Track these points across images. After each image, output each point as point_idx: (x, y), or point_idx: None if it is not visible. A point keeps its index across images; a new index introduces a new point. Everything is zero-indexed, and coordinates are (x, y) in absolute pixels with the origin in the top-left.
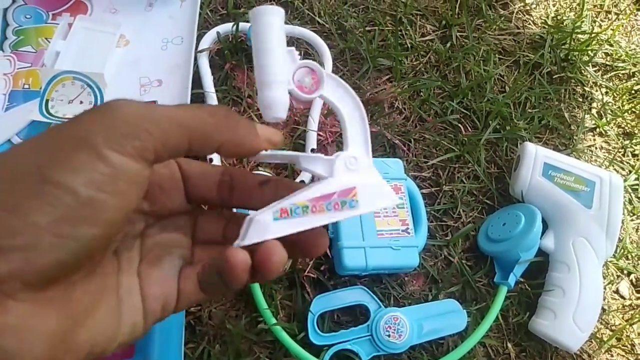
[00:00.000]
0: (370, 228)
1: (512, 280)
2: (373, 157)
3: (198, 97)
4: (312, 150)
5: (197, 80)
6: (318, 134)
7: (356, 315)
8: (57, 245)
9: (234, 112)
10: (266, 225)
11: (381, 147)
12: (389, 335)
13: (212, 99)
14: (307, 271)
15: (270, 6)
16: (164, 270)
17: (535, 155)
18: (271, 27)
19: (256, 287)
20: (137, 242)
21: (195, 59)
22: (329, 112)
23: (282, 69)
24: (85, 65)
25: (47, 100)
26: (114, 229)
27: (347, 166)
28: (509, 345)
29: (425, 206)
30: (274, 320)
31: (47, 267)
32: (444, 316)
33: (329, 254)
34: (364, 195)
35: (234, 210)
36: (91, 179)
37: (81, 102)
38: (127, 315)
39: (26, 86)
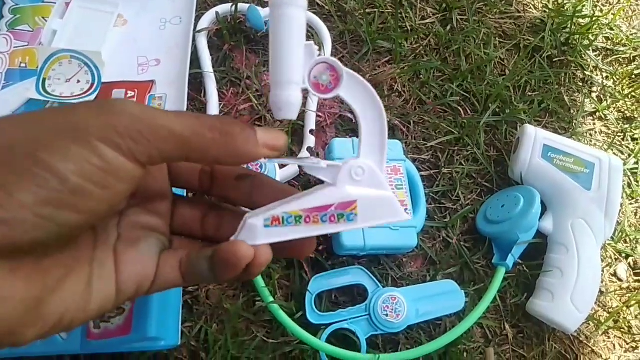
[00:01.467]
0: None
1: (510, 261)
2: None
3: (196, 77)
4: (311, 132)
5: (195, 61)
6: (317, 115)
7: (354, 295)
8: (38, 225)
9: (236, 122)
10: (256, 231)
11: None
12: (386, 315)
13: (211, 79)
14: None
15: None
16: (141, 250)
17: (535, 137)
18: (291, 21)
19: None
20: (115, 220)
21: (194, 39)
22: None
23: (299, 68)
24: (83, 44)
25: (44, 79)
26: (97, 219)
27: (353, 176)
28: (507, 326)
29: (424, 188)
30: (271, 299)
31: (24, 243)
32: (441, 296)
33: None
34: (366, 209)
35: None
36: (82, 169)
37: (78, 81)
38: (98, 289)
39: (23, 65)
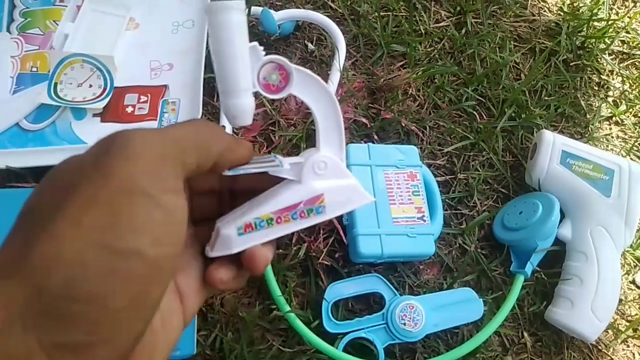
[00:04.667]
0: (386, 215)
1: (529, 269)
2: (388, 143)
3: (209, 81)
4: None
5: (209, 65)
6: None
7: (370, 303)
8: (134, 321)
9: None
10: (231, 240)
11: (395, 134)
12: (404, 324)
13: None
14: (321, 258)
15: (228, 0)
16: (193, 276)
17: (553, 143)
18: (230, 27)
19: (270, 274)
20: None
21: (207, 43)
22: (343, 99)
23: (246, 74)
24: (94, 48)
25: (55, 84)
26: (173, 276)
27: (316, 171)
28: (525, 334)
29: (440, 194)
30: (288, 308)
31: (129, 345)
32: (459, 305)
33: (344, 240)
34: (333, 200)
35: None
36: (154, 235)
37: (90, 86)
38: (170, 332)
39: (34, 69)
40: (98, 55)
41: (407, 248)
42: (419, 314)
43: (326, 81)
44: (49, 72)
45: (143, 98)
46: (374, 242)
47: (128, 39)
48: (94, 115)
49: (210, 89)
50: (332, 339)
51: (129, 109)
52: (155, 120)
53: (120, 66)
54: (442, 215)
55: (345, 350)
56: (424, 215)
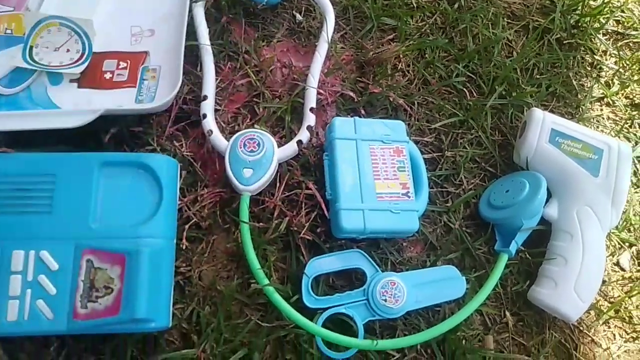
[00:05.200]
0: (370, 190)
1: (513, 248)
2: (376, 117)
3: (192, 49)
4: (311, 110)
5: (191, 33)
6: (318, 93)
7: (352, 279)
8: None
9: None
10: None
11: (383, 110)
12: (385, 300)
13: (208, 52)
14: (302, 233)
15: None
16: None
17: (543, 121)
18: None
19: (249, 247)
20: None
21: (190, 9)
22: (330, 71)
23: None
24: (73, 10)
25: (31, 47)
26: None
27: None
28: (507, 314)
29: (427, 171)
30: (266, 281)
31: None
32: (442, 282)
33: (327, 215)
34: None
35: None
36: None
37: (68, 50)
38: None
39: (8, 31)
40: (76, 18)
41: (391, 224)
42: (401, 291)
43: (313, 53)
44: (24, 34)
45: (122, 64)
46: (356, 217)
47: (109, 3)
48: (71, 80)
49: (193, 58)
50: (311, 314)
51: (108, 75)
52: (135, 87)
53: (100, 31)
54: (428, 192)
55: (324, 325)
56: (408, 192)
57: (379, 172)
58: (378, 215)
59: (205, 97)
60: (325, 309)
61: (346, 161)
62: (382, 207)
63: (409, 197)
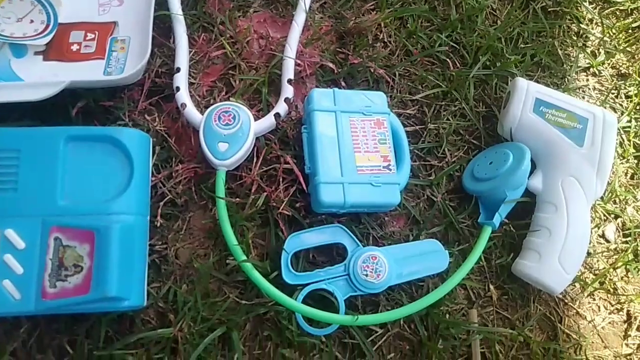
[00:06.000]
0: (350, 163)
1: (497, 220)
2: (356, 89)
3: (165, 20)
4: (289, 82)
5: (163, 2)
6: (296, 64)
7: (333, 255)
8: None
9: None
10: None
11: (364, 82)
12: (366, 275)
13: (180, 22)
14: (281, 208)
15: None
16: None
17: (527, 91)
18: None
19: (225, 223)
20: None
21: None
22: (309, 42)
23: None
24: None
25: None
26: None
27: None
28: (491, 287)
29: (409, 144)
30: (244, 257)
31: None
32: (424, 256)
33: (306, 190)
34: None
35: None
36: None
37: (32, 21)
38: None
39: None
40: None
41: (371, 197)
42: (382, 265)
43: (291, 22)
44: None
45: (90, 35)
46: (336, 190)
47: None
48: (36, 53)
49: (166, 29)
50: (291, 291)
51: (75, 47)
52: (103, 59)
53: (66, 0)
54: (410, 165)
55: (304, 302)
56: (390, 164)
57: (359, 145)
58: (358, 188)
59: (178, 70)
60: (305, 285)
61: (325, 134)
62: (362, 181)
63: (390, 170)
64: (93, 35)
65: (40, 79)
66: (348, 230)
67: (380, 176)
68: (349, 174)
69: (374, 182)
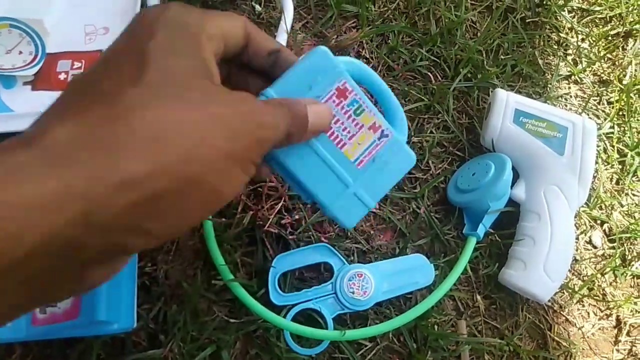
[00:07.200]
0: (344, 165)
1: (481, 230)
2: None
3: None
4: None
5: None
6: None
7: (320, 270)
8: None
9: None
10: None
11: None
12: (353, 292)
13: None
14: (267, 226)
15: None
16: None
17: (507, 102)
18: None
19: (212, 244)
20: None
21: (144, 4)
22: None
23: None
24: (23, 10)
25: None
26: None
27: None
28: (479, 297)
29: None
30: (230, 276)
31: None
32: (410, 272)
33: (290, 207)
34: None
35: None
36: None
37: (20, 52)
38: None
39: None
40: (27, 19)
41: (388, 178)
42: (368, 282)
43: None
44: None
45: (77, 64)
46: (353, 204)
47: (61, 1)
48: (25, 83)
49: None
50: (280, 308)
51: (62, 76)
52: None
53: (53, 31)
54: (403, 113)
55: (294, 320)
56: (382, 130)
57: (338, 137)
58: (370, 180)
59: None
60: (293, 305)
61: (296, 156)
62: (368, 171)
63: (387, 135)
64: (80, 64)
65: (30, 109)
66: (334, 249)
67: (381, 150)
68: (352, 177)
69: (379, 163)
